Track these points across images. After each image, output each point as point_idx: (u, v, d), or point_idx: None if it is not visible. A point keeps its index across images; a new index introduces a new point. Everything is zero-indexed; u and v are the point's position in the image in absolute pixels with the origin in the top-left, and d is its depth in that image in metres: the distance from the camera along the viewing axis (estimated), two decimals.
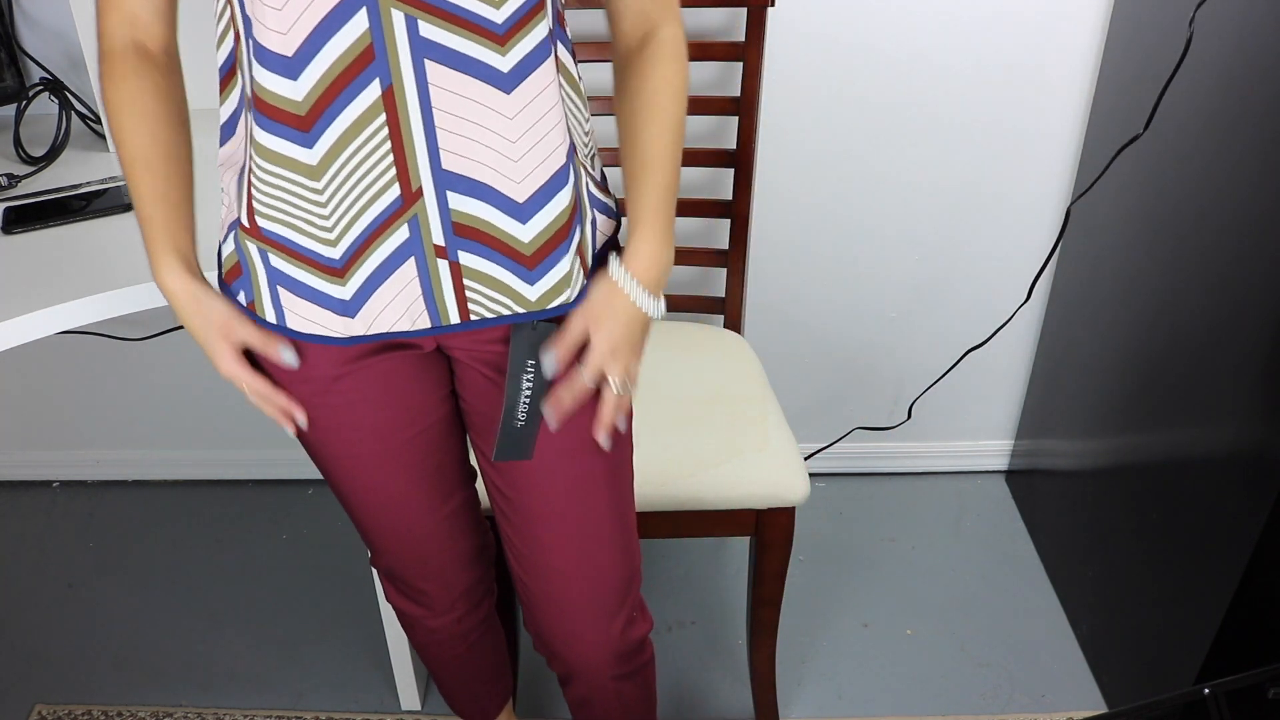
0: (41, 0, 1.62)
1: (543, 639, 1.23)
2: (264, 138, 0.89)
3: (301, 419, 1.05)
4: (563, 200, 0.95)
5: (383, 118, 0.86)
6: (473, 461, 1.25)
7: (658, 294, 1.02)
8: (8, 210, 1.37)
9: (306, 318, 0.98)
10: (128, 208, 1.38)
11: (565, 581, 1.15)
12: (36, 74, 1.66)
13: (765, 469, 1.41)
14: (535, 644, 1.25)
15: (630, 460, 1.14)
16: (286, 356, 1.00)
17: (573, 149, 0.97)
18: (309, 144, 0.88)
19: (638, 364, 1.04)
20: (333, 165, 0.88)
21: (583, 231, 1.00)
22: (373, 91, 0.85)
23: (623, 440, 1.12)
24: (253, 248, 0.97)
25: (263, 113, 0.89)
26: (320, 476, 2.13)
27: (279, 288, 0.98)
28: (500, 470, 1.11)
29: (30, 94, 1.57)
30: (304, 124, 0.87)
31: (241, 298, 1.01)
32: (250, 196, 0.94)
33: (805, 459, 2.02)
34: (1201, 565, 1.40)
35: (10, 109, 1.61)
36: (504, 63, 0.87)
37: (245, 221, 0.96)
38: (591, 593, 1.16)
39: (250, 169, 0.93)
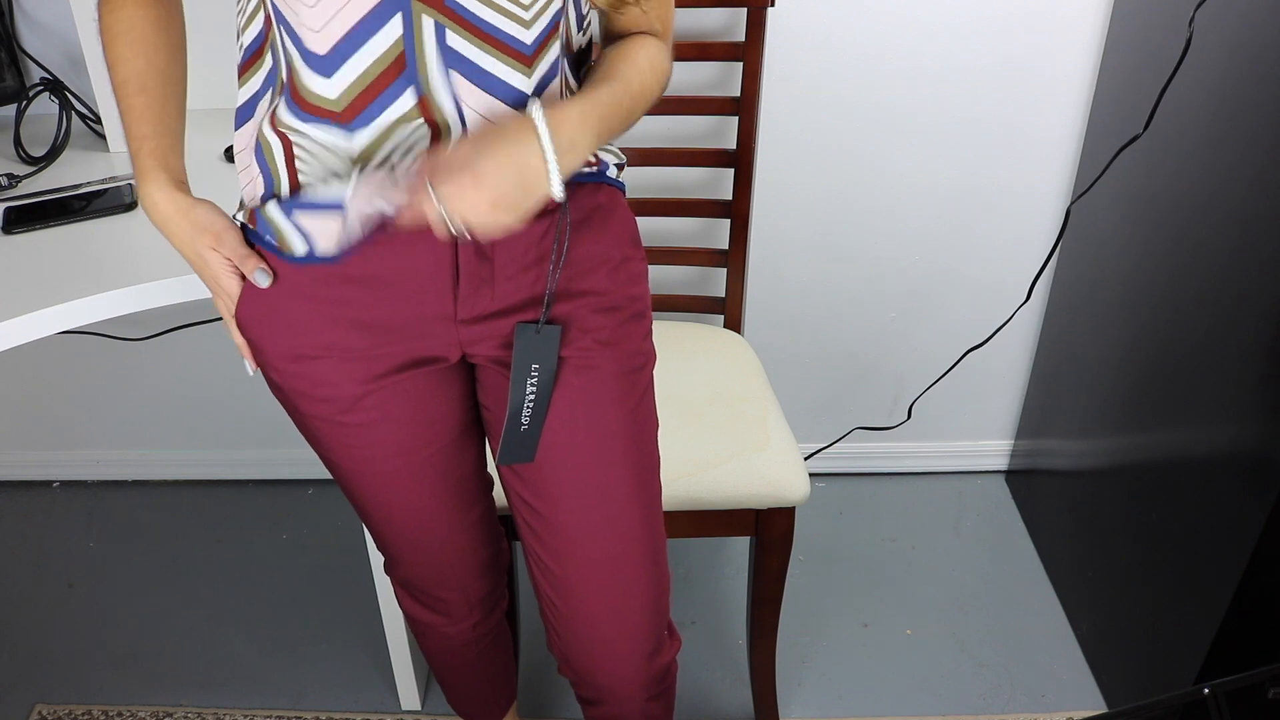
0: (41, 0, 1.62)
1: (572, 664, 1.19)
2: (302, 127, 0.90)
3: (266, 282, 0.98)
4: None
5: (421, 119, 0.87)
6: (490, 470, 1.24)
7: (565, 165, 0.86)
8: (8, 210, 1.37)
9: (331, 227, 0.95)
10: (128, 207, 1.38)
11: (595, 596, 1.12)
12: (36, 74, 1.66)
13: (765, 469, 1.41)
14: (561, 668, 1.22)
15: (657, 474, 1.12)
16: (260, 278, 0.97)
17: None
18: (349, 136, 0.89)
19: (508, 220, 0.84)
20: (377, 154, 0.89)
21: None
22: (408, 100, 0.86)
23: (649, 450, 1.10)
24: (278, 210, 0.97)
25: (299, 105, 0.89)
26: (320, 477, 2.13)
27: (296, 213, 0.95)
28: (524, 477, 1.09)
29: (30, 94, 1.57)
30: (342, 119, 0.88)
31: (270, 239, 0.99)
32: (294, 170, 0.93)
33: (805, 459, 2.02)
34: (1201, 565, 1.40)
35: (10, 109, 1.61)
36: (528, 84, 0.87)
37: (286, 196, 0.95)
38: (622, 609, 1.13)
39: (287, 147, 0.93)
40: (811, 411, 2.08)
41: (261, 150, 0.95)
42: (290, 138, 0.92)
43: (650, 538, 1.12)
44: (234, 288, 0.99)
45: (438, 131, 0.88)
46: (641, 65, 0.96)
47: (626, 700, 1.20)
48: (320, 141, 0.90)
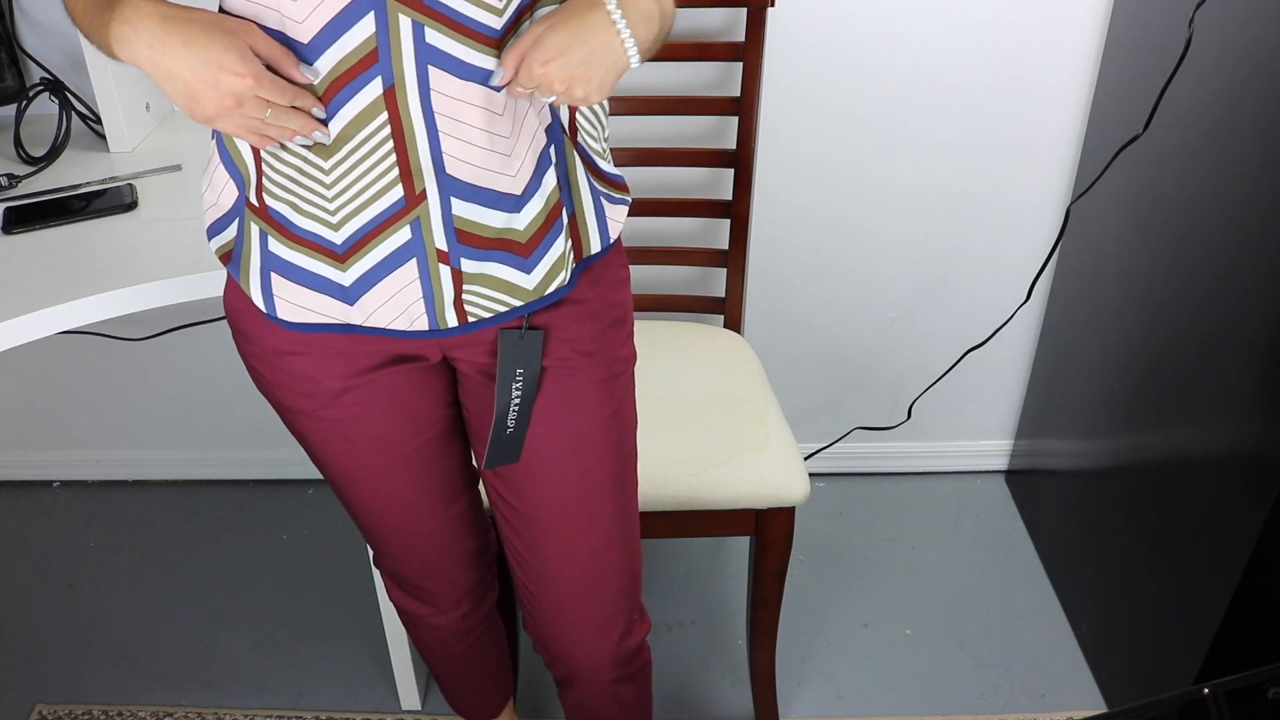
0: (41, 0, 1.62)
1: (543, 643, 1.23)
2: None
3: (321, 113, 0.87)
4: (549, 182, 0.95)
5: (384, 116, 0.86)
6: (475, 464, 1.25)
7: (640, 34, 0.86)
8: (8, 210, 1.37)
9: (301, 305, 0.97)
10: (128, 207, 1.38)
11: (569, 589, 1.15)
12: (37, 74, 1.66)
13: (765, 469, 1.41)
14: (535, 646, 1.25)
15: (634, 469, 1.14)
16: (305, 72, 0.85)
17: (556, 128, 0.96)
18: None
19: (591, 91, 0.86)
20: (340, 151, 0.88)
21: (576, 211, 0.99)
22: (374, 90, 0.85)
23: (627, 450, 1.11)
24: (255, 230, 0.96)
25: None
26: (321, 476, 2.13)
27: (271, 274, 0.97)
28: (504, 477, 1.10)
29: (30, 94, 1.57)
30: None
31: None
32: (260, 172, 0.94)
33: (805, 459, 2.02)
34: (1201, 565, 1.40)
35: (10, 109, 1.61)
36: (494, 63, 0.87)
37: (254, 199, 0.95)
38: (595, 600, 1.16)
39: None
40: (811, 411, 2.08)
41: (226, 148, 0.95)
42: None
43: (624, 534, 1.14)
44: (270, 78, 0.83)
45: (400, 137, 0.87)
46: None
47: (596, 679, 1.23)
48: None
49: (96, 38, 0.86)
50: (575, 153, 0.99)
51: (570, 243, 1.00)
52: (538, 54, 0.83)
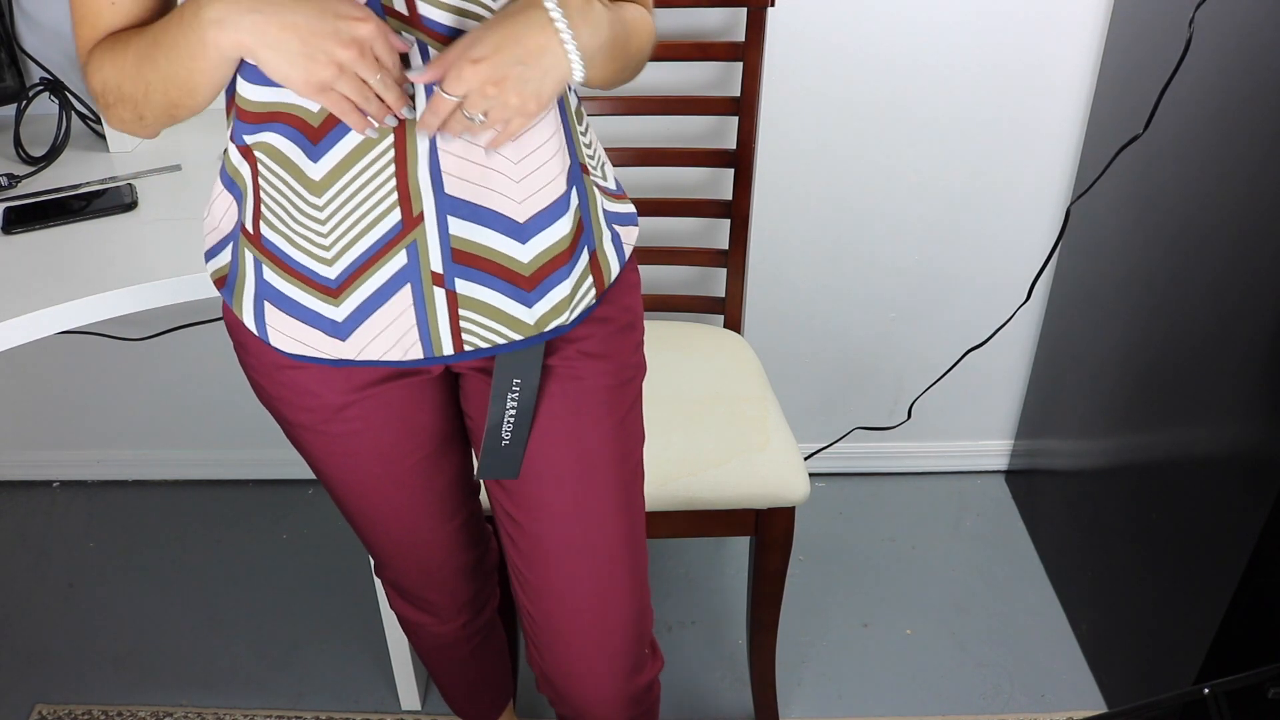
0: (41, 0, 1.62)
1: (548, 677, 1.18)
2: (271, 138, 0.89)
3: (410, 87, 0.83)
4: (563, 227, 0.94)
5: (391, 139, 0.86)
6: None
7: (584, 40, 0.83)
8: (8, 210, 1.37)
9: (293, 336, 0.97)
10: (128, 207, 1.38)
11: (574, 612, 1.11)
12: (36, 74, 1.66)
13: (765, 469, 1.41)
14: (539, 685, 1.20)
15: (641, 487, 1.11)
16: (404, 39, 0.81)
17: (576, 170, 0.96)
18: (315, 158, 0.87)
19: (528, 97, 0.81)
20: (335, 184, 0.87)
21: (597, 248, 0.99)
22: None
23: (633, 465, 1.09)
24: (249, 257, 0.96)
25: (266, 119, 0.89)
26: None
27: (265, 303, 0.96)
28: (506, 488, 1.09)
29: (30, 94, 1.57)
30: (314, 136, 0.87)
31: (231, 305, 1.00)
32: (259, 201, 0.93)
33: (805, 459, 2.01)
34: (1201, 565, 1.40)
35: (10, 109, 1.61)
36: None
37: (250, 226, 0.95)
38: (601, 626, 1.11)
39: (258, 172, 0.92)
40: (811, 411, 2.08)
41: (227, 169, 0.95)
42: (256, 154, 0.90)
43: (631, 556, 1.10)
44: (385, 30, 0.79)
45: (402, 159, 0.86)
46: (631, 9, 0.95)
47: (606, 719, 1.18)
48: (286, 154, 0.88)
49: (178, 54, 0.82)
50: (594, 190, 0.98)
51: (592, 279, 0.99)
52: (469, 53, 0.78)
